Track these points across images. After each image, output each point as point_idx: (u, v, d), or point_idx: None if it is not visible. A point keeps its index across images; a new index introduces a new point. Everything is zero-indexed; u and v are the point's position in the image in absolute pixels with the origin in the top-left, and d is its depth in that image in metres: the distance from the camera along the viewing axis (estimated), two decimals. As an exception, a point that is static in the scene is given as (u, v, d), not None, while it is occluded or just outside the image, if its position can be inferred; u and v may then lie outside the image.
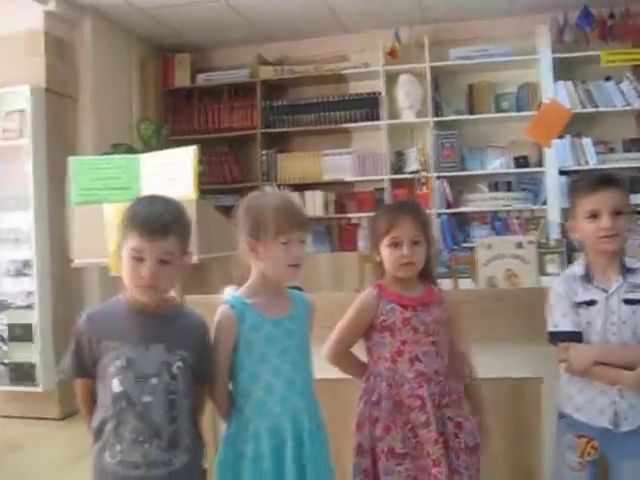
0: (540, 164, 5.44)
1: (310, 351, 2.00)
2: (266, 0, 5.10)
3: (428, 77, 5.51)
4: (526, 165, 5.51)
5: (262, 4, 5.16)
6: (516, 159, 5.51)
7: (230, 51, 6.01)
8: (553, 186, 5.33)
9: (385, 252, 2.04)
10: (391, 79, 5.63)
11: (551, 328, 2.07)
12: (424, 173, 5.50)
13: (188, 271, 1.85)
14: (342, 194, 5.79)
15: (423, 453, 1.95)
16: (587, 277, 2.05)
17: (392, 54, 5.57)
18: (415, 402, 1.97)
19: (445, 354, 2.04)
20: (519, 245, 3.30)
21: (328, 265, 4.67)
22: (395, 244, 2.01)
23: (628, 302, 1.98)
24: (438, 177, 5.47)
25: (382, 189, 5.59)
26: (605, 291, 2.01)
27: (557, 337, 2.05)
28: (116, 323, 1.78)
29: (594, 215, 1.99)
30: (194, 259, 3.07)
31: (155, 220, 1.72)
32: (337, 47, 5.83)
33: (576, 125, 5.33)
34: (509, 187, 5.56)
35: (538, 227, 5.38)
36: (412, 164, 5.59)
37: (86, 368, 1.77)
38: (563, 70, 5.42)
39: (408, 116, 5.60)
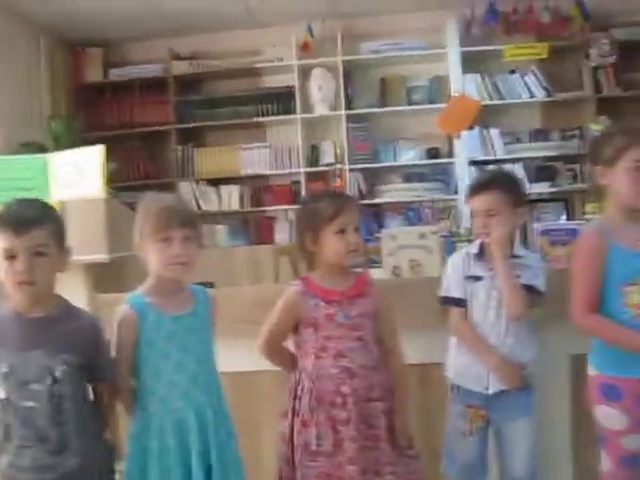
0: (451, 155, 5.57)
1: (213, 345, 2.01)
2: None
3: (341, 71, 5.58)
4: (437, 156, 5.63)
5: (174, -3, 5.13)
6: (428, 150, 5.63)
7: (143, 45, 5.91)
8: (463, 176, 5.45)
9: (330, 240, 2.01)
10: (304, 73, 5.68)
11: (443, 293, 2.28)
12: (338, 166, 5.56)
13: (66, 268, 1.83)
14: (258, 188, 5.80)
15: (341, 450, 1.97)
16: (479, 255, 2.24)
17: (305, 48, 5.62)
18: (336, 398, 1.99)
19: (374, 347, 2.05)
20: (422, 236, 3.36)
21: (244, 259, 4.67)
22: (342, 231, 2.00)
23: None
24: (352, 169, 5.53)
25: (298, 182, 5.63)
26: (492, 270, 2.18)
27: (446, 301, 2.26)
28: (0, 330, 1.77)
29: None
30: (104, 258, 3.06)
31: (19, 216, 1.73)
32: (250, 41, 5.80)
33: (484, 117, 5.50)
34: (422, 178, 5.67)
35: (450, 216, 5.50)
36: (327, 157, 5.65)
37: None
38: (471, 63, 5.57)
39: (321, 110, 5.65)
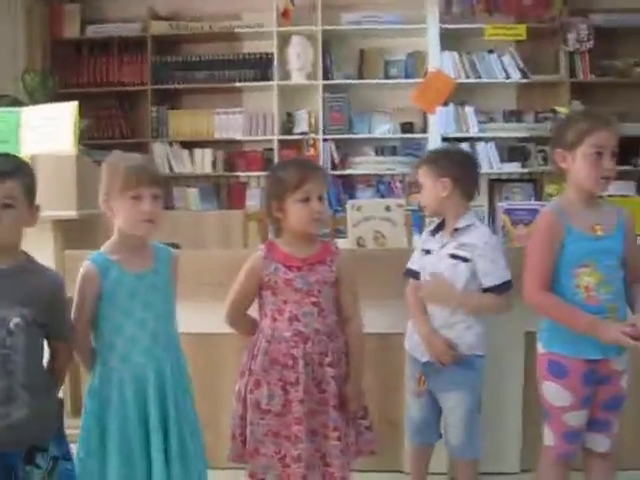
0: (425, 130, 5.61)
1: (174, 304, 2.05)
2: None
3: (320, 40, 5.57)
4: (411, 131, 5.67)
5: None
6: (402, 125, 5.67)
7: (122, 3, 5.84)
8: (436, 152, 5.50)
9: (294, 207, 2.04)
10: (284, 40, 5.65)
11: (407, 265, 2.42)
12: (312, 135, 5.58)
13: (34, 224, 1.83)
14: (232, 153, 5.80)
15: (289, 410, 2.03)
16: (433, 231, 2.36)
17: (285, 15, 5.59)
18: (288, 360, 2.04)
19: (330, 314, 2.10)
20: (388, 208, 3.41)
21: (215, 223, 4.70)
22: (306, 199, 2.03)
23: (452, 257, 2.25)
24: (325, 140, 5.56)
25: (271, 149, 5.64)
26: (443, 246, 2.29)
27: (405, 272, 2.40)
28: None
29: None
30: (73, 214, 3.08)
31: None
32: (231, 5, 5.76)
33: (460, 94, 5.53)
34: (394, 152, 5.71)
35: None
36: (301, 126, 5.65)
37: None
38: (450, 40, 5.58)
39: (299, 78, 5.65)
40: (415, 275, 2.38)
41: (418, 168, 2.38)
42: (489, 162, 5.49)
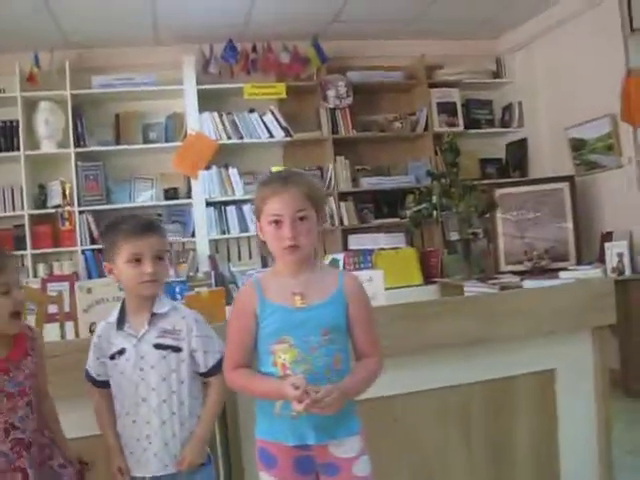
0: (189, 195, 5.37)
1: None
2: None
3: (69, 105, 5.18)
4: (176, 197, 5.40)
5: None
6: (166, 191, 5.40)
7: None
8: (200, 218, 5.27)
9: None
10: (30, 106, 5.21)
11: None
12: (68, 207, 5.16)
13: None
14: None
15: None
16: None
17: (31, 79, 5.17)
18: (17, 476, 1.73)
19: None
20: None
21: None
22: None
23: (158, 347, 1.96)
24: (81, 212, 5.15)
25: (22, 225, 5.14)
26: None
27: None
28: None
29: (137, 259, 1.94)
30: None
31: None
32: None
33: (223, 156, 5.37)
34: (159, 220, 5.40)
35: (188, 260, 5.28)
36: (55, 198, 5.21)
37: None
38: (209, 101, 5.43)
39: (49, 146, 5.22)
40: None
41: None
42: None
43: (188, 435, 1.95)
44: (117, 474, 1.93)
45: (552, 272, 4.49)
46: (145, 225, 1.97)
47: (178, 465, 1.93)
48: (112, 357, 1.98)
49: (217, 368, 1.97)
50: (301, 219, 1.81)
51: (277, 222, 1.80)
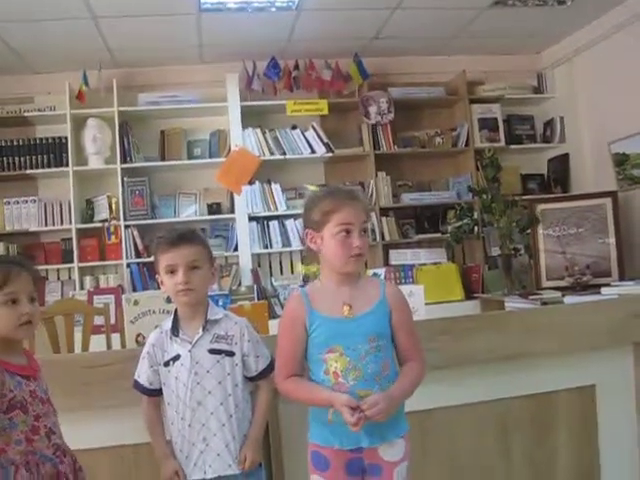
0: (232, 210, 5.45)
1: None
2: None
3: (117, 122, 5.32)
4: (219, 212, 5.49)
5: None
6: (209, 206, 5.48)
7: None
8: (243, 232, 5.35)
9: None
10: (78, 123, 5.36)
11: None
12: (114, 222, 5.29)
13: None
14: (28, 245, 5.38)
15: None
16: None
17: (80, 97, 5.32)
18: None
19: None
20: (169, 300, 3.18)
21: None
22: (13, 301, 1.77)
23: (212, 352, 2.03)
24: (127, 226, 5.26)
25: (70, 239, 5.27)
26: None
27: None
28: None
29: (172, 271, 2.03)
30: None
31: None
32: (22, 88, 5.45)
33: (265, 172, 5.43)
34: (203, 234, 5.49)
35: (230, 273, 5.36)
36: (102, 212, 5.34)
37: None
38: (252, 118, 5.51)
39: (96, 162, 5.36)
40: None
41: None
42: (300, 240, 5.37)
43: (244, 437, 2.03)
44: (174, 478, 1.99)
45: (594, 288, 4.44)
46: (178, 237, 2.05)
47: (240, 465, 1.99)
48: (166, 364, 2.05)
49: (267, 371, 2.06)
50: (364, 231, 1.93)
51: (348, 231, 1.88)
